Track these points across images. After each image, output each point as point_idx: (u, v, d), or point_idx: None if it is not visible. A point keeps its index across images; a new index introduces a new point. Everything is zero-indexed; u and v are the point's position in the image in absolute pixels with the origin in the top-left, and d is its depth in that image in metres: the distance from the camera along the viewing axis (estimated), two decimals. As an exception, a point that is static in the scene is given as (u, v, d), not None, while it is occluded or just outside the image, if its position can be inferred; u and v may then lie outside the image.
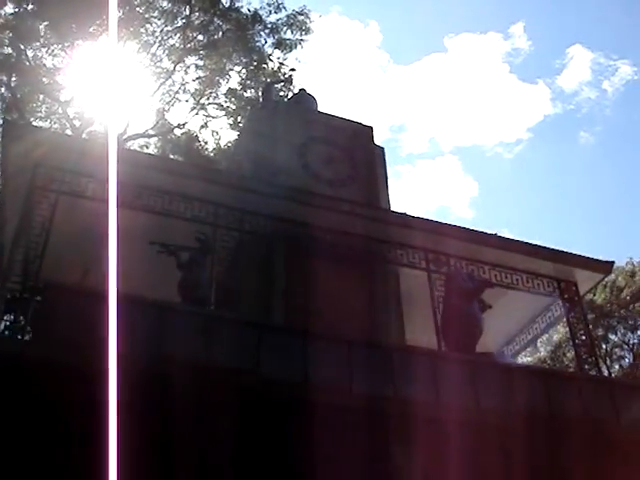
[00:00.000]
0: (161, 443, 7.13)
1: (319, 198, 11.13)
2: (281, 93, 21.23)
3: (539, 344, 32.56)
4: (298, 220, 10.90)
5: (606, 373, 31.31)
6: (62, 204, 9.91)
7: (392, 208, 13.16)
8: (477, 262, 11.99)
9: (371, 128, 14.10)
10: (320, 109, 14.83)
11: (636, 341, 32.74)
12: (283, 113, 13.55)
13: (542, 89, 56.90)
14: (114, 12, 21.77)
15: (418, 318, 11.52)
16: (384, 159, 14.07)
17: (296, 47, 23.85)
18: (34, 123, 24.36)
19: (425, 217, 12.00)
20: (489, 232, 12.44)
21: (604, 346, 32.96)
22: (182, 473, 7.11)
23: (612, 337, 32.89)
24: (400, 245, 11.59)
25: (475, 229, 12.24)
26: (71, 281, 9.79)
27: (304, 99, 14.89)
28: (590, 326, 32.66)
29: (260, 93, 18.84)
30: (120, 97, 24.46)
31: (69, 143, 11.46)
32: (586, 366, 12.07)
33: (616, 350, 33.17)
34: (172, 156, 25.27)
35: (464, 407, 8.97)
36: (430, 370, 9.40)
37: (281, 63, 23.82)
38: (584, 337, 12.45)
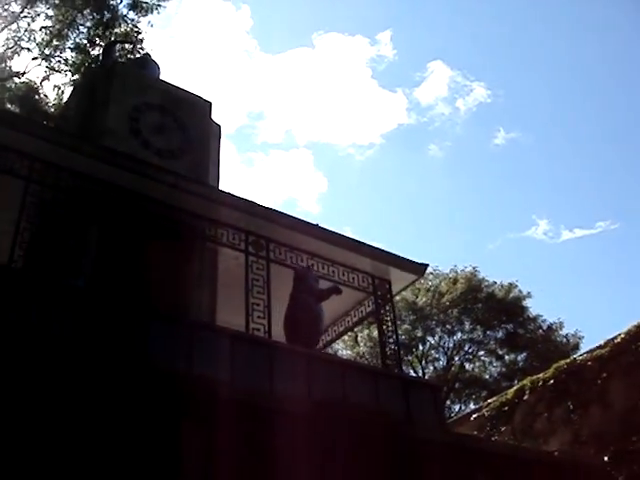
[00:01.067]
0: None
1: (143, 166, 10.79)
2: (129, 56, 20.55)
3: (360, 339, 33.71)
4: (118, 186, 10.55)
5: (420, 373, 32.87)
6: None
7: (220, 187, 13.05)
8: (297, 250, 12.13)
9: (210, 103, 13.84)
10: (162, 77, 14.43)
11: (451, 345, 34.50)
12: (120, 75, 12.99)
13: (400, 98, 58.89)
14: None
15: (234, 300, 11.49)
16: (219, 137, 13.93)
17: (152, 11, 23.18)
18: None
19: (250, 199, 11.92)
20: (311, 222, 12.53)
21: (421, 347, 34.56)
22: None
23: (430, 339, 34.48)
24: (222, 224, 11.51)
25: (298, 217, 12.32)
26: None
27: (146, 64, 14.43)
28: (408, 326, 34.32)
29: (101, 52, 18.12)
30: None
31: None
32: (388, 362, 12.48)
33: (432, 352, 34.81)
34: (8, 105, 23.97)
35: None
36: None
37: (134, 25, 23.07)
38: (391, 334, 12.84)
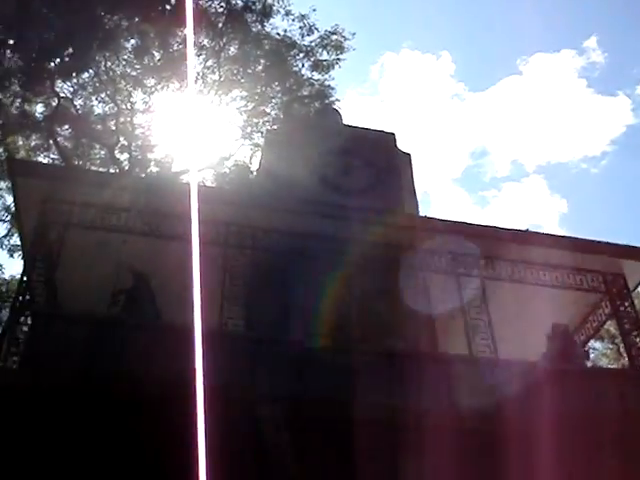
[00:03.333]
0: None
1: (329, 208, 10.76)
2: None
3: (622, 350, 31.08)
4: (312, 233, 10.60)
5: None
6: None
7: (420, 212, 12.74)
8: (510, 261, 11.40)
9: (393, 134, 13.70)
10: (345, 122, 14.57)
11: None
12: (301, 128, 13.33)
13: (622, 100, 54.94)
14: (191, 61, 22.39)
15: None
16: (410, 164, 13.66)
17: (333, 67, 23.71)
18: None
19: (448, 219, 11.49)
20: (521, 229, 11.77)
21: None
22: None
23: None
24: (426, 250, 11.11)
25: (503, 227, 11.64)
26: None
27: (327, 113, 14.68)
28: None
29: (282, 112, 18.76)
30: (172, 135, 25.15)
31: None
32: None
33: None
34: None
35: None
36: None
37: (320, 84, 23.74)
38: (636, 334, 11.51)
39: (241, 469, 7.06)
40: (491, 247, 11.29)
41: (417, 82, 54.91)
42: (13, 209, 19.95)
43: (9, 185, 17.64)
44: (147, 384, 7.40)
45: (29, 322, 8.92)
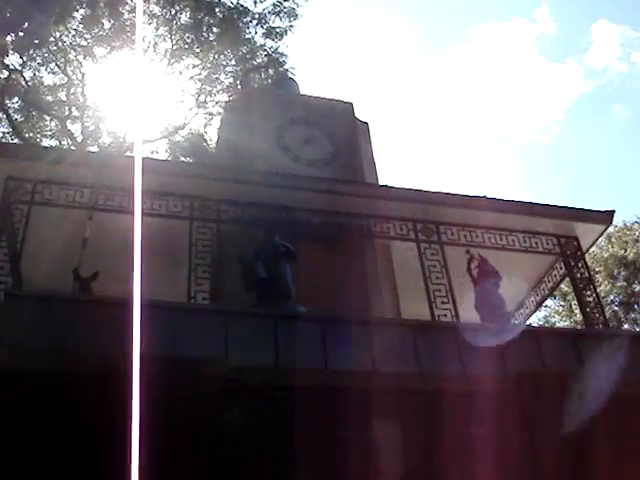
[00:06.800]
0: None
1: (293, 180, 10.89)
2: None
3: (574, 307, 31.99)
4: (276, 204, 10.72)
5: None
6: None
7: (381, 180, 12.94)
8: (469, 227, 11.69)
9: (351, 104, 13.81)
10: (302, 91, 14.62)
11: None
12: (258, 99, 13.33)
13: (574, 68, 55.62)
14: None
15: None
16: (369, 133, 13.82)
17: (286, 34, 23.67)
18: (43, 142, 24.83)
19: (413, 187, 11.69)
20: (479, 195, 12.04)
21: (646, 301, 32.09)
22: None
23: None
24: (386, 218, 11.33)
25: (464, 194, 11.87)
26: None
27: (284, 83, 14.71)
28: (623, 282, 32.01)
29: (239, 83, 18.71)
30: (125, 105, 24.80)
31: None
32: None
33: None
34: (182, 158, 25.33)
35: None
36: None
37: (274, 52, 23.67)
38: (589, 294, 11.96)
39: (185, 441, 7.15)
40: (449, 213, 11.56)
41: (371, 50, 54.93)
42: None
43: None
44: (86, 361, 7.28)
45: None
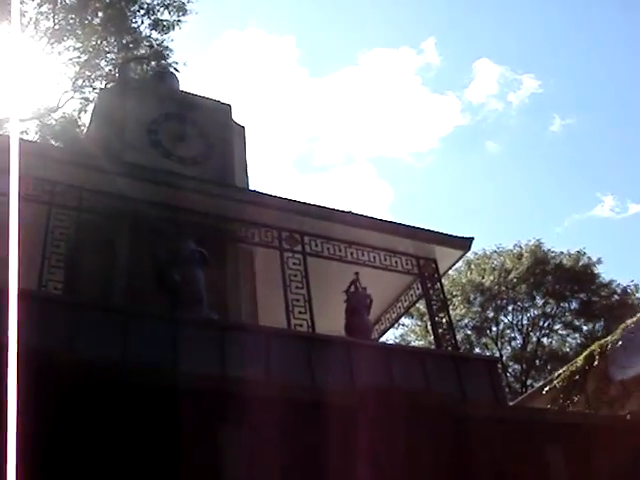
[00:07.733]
0: None
1: (160, 175, 10.68)
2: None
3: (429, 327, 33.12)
4: (141, 198, 10.45)
5: (497, 354, 31.94)
6: None
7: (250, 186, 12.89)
8: (334, 240, 11.82)
9: (229, 105, 13.71)
10: (181, 88, 14.36)
11: (525, 322, 33.59)
12: (134, 90, 12.98)
13: (452, 101, 58.29)
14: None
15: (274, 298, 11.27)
16: (244, 137, 13.74)
17: (174, 28, 23.33)
18: None
19: (281, 196, 11.70)
20: (345, 210, 12.21)
21: (495, 328, 33.72)
22: None
23: (503, 318, 33.64)
24: (253, 224, 11.29)
25: (331, 207, 12.00)
26: None
27: (164, 76, 14.41)
28: (478, 308, 33.42)
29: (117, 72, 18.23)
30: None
31: None
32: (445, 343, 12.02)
33: (507, 332, 33.94)
34: (52, 141, 24.38)
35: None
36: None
37: (159, 44, 23.23)
38: (442, 316, 12.34)
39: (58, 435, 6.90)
40: (316, 225, 11.65)
41: (261, 62, 55.14)
42: None
43: None
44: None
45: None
